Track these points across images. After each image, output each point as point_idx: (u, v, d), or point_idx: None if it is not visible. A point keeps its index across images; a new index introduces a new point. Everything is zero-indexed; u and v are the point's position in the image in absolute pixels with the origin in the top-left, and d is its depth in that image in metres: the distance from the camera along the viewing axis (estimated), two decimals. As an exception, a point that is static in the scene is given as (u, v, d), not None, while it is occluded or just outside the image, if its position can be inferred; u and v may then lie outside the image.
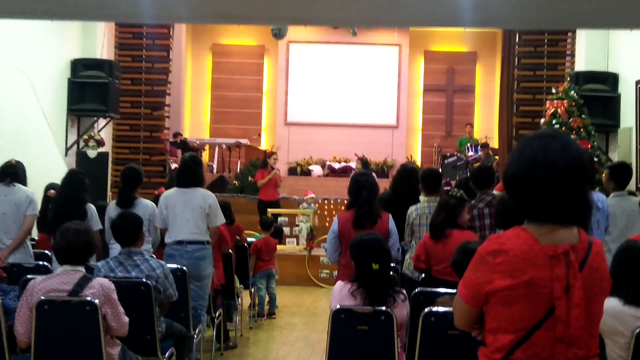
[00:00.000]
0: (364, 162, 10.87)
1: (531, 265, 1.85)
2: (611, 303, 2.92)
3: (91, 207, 5.41)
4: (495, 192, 5.29)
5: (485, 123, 15.65)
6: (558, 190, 1.86)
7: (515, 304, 1.86)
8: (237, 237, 6.74)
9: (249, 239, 7.33)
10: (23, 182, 5.60)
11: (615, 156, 9.17)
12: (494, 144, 13.95)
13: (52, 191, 6.01)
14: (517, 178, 1.91)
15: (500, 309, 1.90)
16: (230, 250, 6.11)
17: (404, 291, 3.69)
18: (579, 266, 1.86)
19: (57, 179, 5.67)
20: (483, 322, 2.00)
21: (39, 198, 5.82)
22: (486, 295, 1.91)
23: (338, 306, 3.54)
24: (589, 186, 1.95)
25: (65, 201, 5.28)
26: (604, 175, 5.53)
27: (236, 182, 12.31)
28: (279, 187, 10.77)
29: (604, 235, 4.45)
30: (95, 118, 10.54)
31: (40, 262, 5.22)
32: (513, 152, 1.97)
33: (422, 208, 5.17)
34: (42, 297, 3.43)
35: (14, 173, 5.44)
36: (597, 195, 4.53)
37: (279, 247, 8.12)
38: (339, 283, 3.71)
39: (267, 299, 7.61)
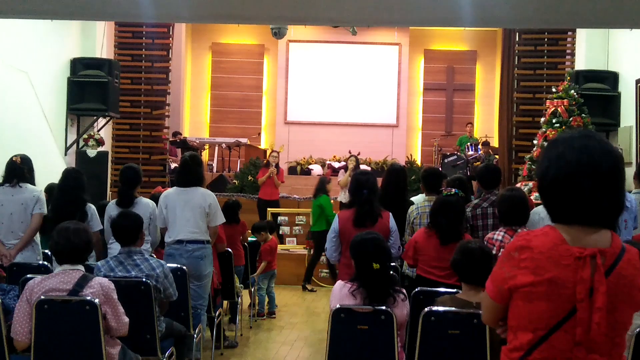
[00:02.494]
0: (358, 160, 10.84)
1: (555, 264, 1.84)
2: None
3: (91, 208, 5.39)
4: None
5: (485, 122, 15.65)
6: (602, 192, 1.84)
7: (535, 301, 1.85)
8: (241, 237, 6.83)
9: (249, 239, 7.36)
10: (31, 177, 5.57)
11: (615, 155, 9.16)
12: (494, 142, 13.95)
13: (45, 193, 5.98)
14: (559, 181, 1.87)
15: (521, 305, 1.89)
16: (229, 249, 6.11)
17: (404, 290, 3.69)
18: (605, 271, 1.83)
19: (57, 179, 5.64)
20: (505, 320, 1.99)
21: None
22: (509, 291, 1.90)
23: (338, 305, 3.54)
24: (624, 187, 1.94)
25: (64, 204, 5.26)
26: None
27: (236, 182, 12.30)
28: (278, 186, 10.74)
29: (632, 234, 4.42)
30: (95, 117, 10.53)
31: (41, 262, 5.21)
32: (548, 155, 1.92)
33: (422, 207, 5.17)
34: (42, 297, 3.42)
35: (20, 174, 5.41)
36: (625, 195, 4.53)
37: (278, 246, 8.16)
38: (339, 282, 3.71)
39: (266, 299, 7.61)
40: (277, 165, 10.71)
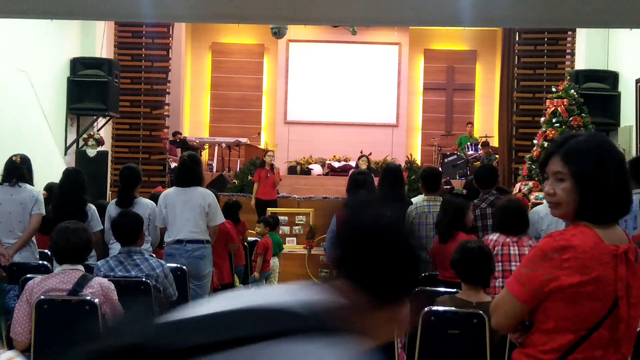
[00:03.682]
0: (369, 161, 10.84)
1: (598, 262, 1.84)
2: None
3: (91, 208, 5.39)
4: None
5: (485, 122, 15.65)
6: (627, 189, 1.92)
7: (581, 301, 1.84)
8: (241, 237, 6.85)
9: (249, 239, 7.37)
10: (30, 177, 5.57)
11: (615, 155, 9.18)
12: (494, 142, 13.94)
13: (44, 192, 5.99)
14: (621, 187, 1.92)
15: (562, 307, 1.86)
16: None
17: None
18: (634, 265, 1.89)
19: (57, 178, 5.65)
20: (523, 324, 1.97)
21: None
22: (548, 293, 1.86)
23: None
24: None
25: (65, 204, 5.26)
26: None
27: (236, 181, 12.30)
28: (278, 184, 10.72)
29: (631, 234, 4.43)
30: (94, 117, 10.53)
31: (41, 262, 5.21)
32: (612, 162, 1.93)
33: (421, 207, 5.16)
34: (42, 297, 3.42)
35: (20, 174, 5.41)
36: None
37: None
38: None
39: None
40: (272, 165, 10.67)
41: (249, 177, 12.01)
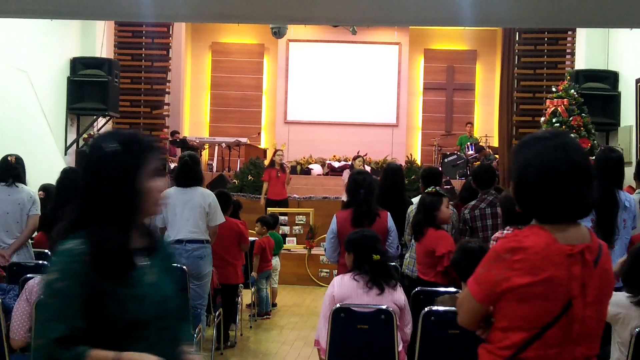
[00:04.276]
0: (364, 161, 10.84)
1: (550, 263, 1.85)
2: (619, 297, 2.94)
3: None
4: None
5: (485, 121, 15.65)
6: (583, 188, 1.89)
7: (532, 301, 1.86)
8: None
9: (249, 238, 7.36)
10: (23, 178, 5.58)
11: (615, 155, 9.17)
12: (494, 142, 13.95)
13: (40, 192, 5.99)
14: (542, 181, 1.89)
15: (515, 306, 1.89)
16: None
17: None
18: (593, 265, 1.88)
19: (57, 178, 5.65)
20: (488, 320, 2.00)
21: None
22: (501, 293, 1.90)
23: (338, 305, 3.54)
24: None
25: (62, 204, 5.25)
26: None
27: (236, 181, 12.30)
28: (288, 183, 10.72)
29: (630, 234, 4.42)
30: (94, 117, 10.54)
31: (40, 261, 5.21)
32: (525, 156, 1.95)
33: (421, 207, 5.16)
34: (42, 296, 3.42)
35: (16, 174, 5.41)
36: (625, 195, 4.49)
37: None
38: (338, 276, 3.76)
39: (270, 295, 7.62)
40: (282, 164, 10.67)
41: (249, 177, 12.02)
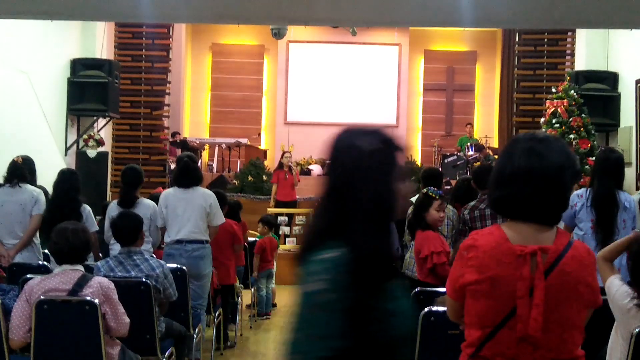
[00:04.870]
0: None
1: (496, 262, 1.88)
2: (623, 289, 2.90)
3: (86, 209, 5.39)
4: None
5: (485, 122, 15.64)
6: (546, 192, 1.90)
7: (480, 299, 1.90)
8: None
9: (249, 239, 7.37)
10: (32, 177, 5.58)
11: (615, 155, 9.17)
12: (494, 143, 13.94)
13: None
14: (508, 180, 1.95)
15: (469, 303, 1.94)
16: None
17: None
18: (547, 268, 1.87)
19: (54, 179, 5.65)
20: None
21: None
22: (461, 289, 1.95)
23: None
24: (568, 187, 1.99)
25: (59, 206, 5.26)
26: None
27: (236, 182, 12.31)
28: (297, 185, 10.74)
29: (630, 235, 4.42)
30: (95, 118, 10.54)
31: (41, 262, 5.22)
32: (505, 155, 2.01)
33: (421, 207, 5.16)
34: (42, 297, 3.42)
35: (20, 175, 5.42)
36: (625, 196, 4.50)
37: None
38: None
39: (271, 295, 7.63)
40: (290, 166, 10.73)
41: (249, 178, 12.03)
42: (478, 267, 1.89)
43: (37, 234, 5.48)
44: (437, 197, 4.55)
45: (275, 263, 7.92)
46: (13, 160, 5.49)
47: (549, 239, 1.91)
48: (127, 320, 3.58)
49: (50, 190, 5.61)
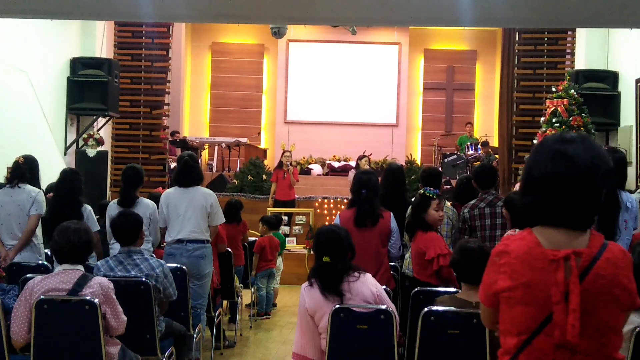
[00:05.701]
0: (369, 162, 10.85)
1: (529, 268, 1.85)
2: None
3: (87, 209, 5.39)
4: None
5: (485, 122, 15.65)
6: (578, 196, 1.85)
7: (515, 306, 1.87)
8: (241, 237, 6.85)
9: (249, 238, 7.36)
10: (33, 177, 5.57)
11: (615, 155, 9.18)
12: (494, 142, 13.94)
13: (50, 194, 5.99)
14: (539, 185, 1.89)
15: (504, 310, 1.91)
16: (228, 249, 6.10)
17: (359, 270, 3.62)
18: (581, 272, 1.82)
19: (56, 178, 5.65)
20: None
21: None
22: (495, 296, 1.92)
23: (337, 305, 3.53)
24: (600, 189, 1.91)
25: (60, 206, 5.26)
26: None
27: (236, 181, 12.30)
28: (294, 185, 10.73)
29: (631, 235, 4.40)
30: (94, 117, 10.54)
31: (41, 262, 5.22)
32: (533, 158, 1.94)
33: (421, 207, 5.15)
34: (42, 297, 3.42)
35: (20, 175, 5.41)
36: (626, 196, 4.48)
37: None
38: (305, 285, 3.65)
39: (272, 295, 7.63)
40: (290, 165, 10.71)
41: (249, 177, 12.02)
42: (510, 273, 1.86)
43: (38, 234, 5.48)
44: (434, 197, 4.54)
45: (280, 262, 7.90)
46: (15, 161, 5.50)
47: (582, 242, 1.87)
48: (125, 318, 3.58)
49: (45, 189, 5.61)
